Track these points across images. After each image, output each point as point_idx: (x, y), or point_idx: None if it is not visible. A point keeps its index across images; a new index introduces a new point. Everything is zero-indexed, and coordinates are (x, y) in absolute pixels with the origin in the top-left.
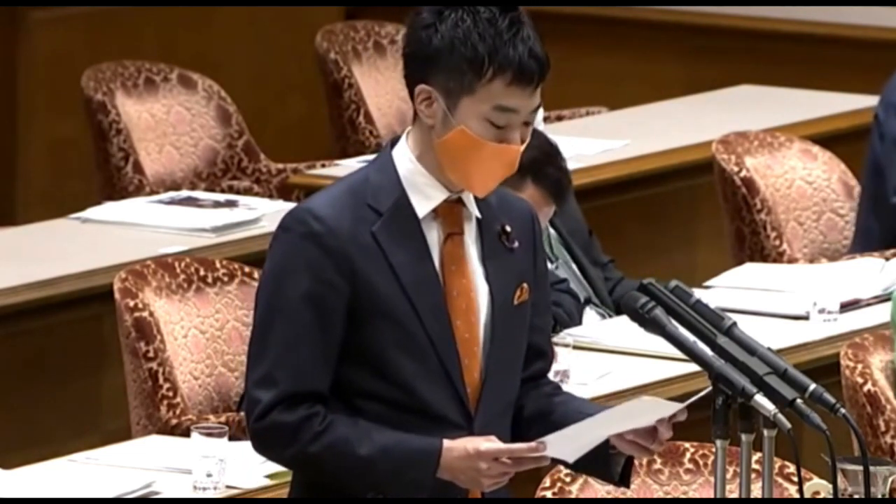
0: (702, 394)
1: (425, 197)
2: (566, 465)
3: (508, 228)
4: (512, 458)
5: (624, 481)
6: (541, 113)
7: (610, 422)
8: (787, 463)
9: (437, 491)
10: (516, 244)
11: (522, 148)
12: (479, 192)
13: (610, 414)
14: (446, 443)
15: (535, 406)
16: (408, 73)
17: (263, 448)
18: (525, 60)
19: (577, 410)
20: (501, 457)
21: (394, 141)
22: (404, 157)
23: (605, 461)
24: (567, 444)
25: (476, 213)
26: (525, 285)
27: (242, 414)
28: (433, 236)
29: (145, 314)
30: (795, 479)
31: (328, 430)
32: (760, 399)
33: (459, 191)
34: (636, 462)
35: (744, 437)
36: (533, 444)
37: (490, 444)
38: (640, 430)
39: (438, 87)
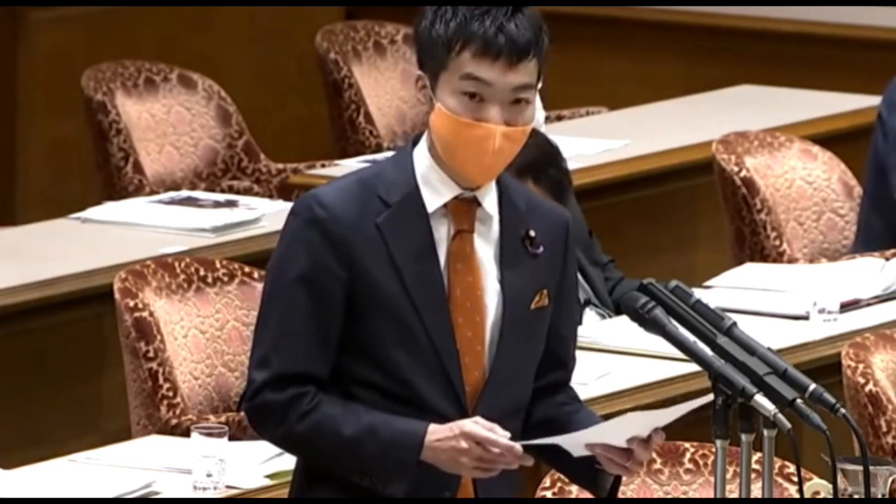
0: (700, 402)
1: (436, 192)
2: (554, 467)
3: (533, 234)
4: (494, 447)
5: (612, 496)
6: (541, 113)
7: (598, 436)
8: (787, 463)
9: (422, 476)
10: (541, 250)
11: (508, 129)
12: (475, 180)
13: (598, 430)
14: (431, 425)
15: (542, 414)
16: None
17: (255, 427)
18: (491, 33)
19: (577, 423)
20: (483, 443)
21: (416, 139)
22: (423, 155)
23: (592, 474)
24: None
25: (495, 214)
26: (545, 292)
27: (242, 414)
28: (442, 232)
29: (145, 314)
30: (795, 479)
31: (316, 409)
32: (760, 399)
33: (474, 189)
34: None
35: (744, 437)
36: (510, 443)
37: (474, 426)
38: (615, 449)
39: (427, 71)
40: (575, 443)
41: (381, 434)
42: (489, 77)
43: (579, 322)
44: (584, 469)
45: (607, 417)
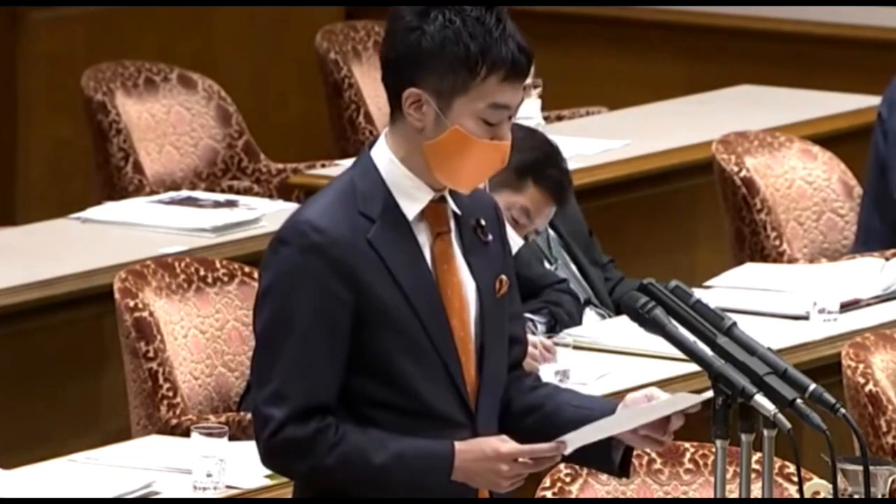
0: (708, 395)
1: (412, 199)
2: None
3: (483, 222)
4: (533, 458)
5: (624, 470)
6: (540, 113)
7: (630, 418)
8: (787, 463)
9: (449, 494)
10: (490, 237)
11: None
12: (467, 189)
13: (635, 411)
14: (458, 445)
15: (522, 400)
16: (391, 77)
17: (278, 463)
18: (516, 56)
19: (567, 402)
20: (522, 457)
21: (371, 143)
22: (385, 159)
23: (605, 453)
24: (587, 441)
25: (456, 209)
26: (503, 277)
27: (242, 414)
28: (423, 237)
29: (145, 314)
30: (795, 479)
31: (342, 441)
32: (760, 399)
33: (443, 189)
34: (635, 462)
35: (744, 437)
36: (553, 444)
37: (509, 445)
38: (653, 423)
39: (429, 89)
40: (615, 426)
41: (411, 461)
42: (511, 101)
43: (579, 322)
44: (596, 447)
45: None
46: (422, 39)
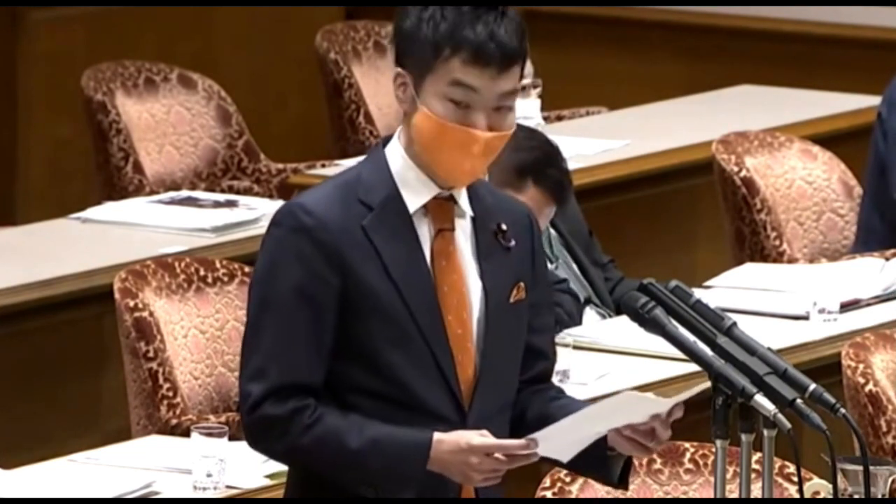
0: (696, 389)
1: (416, 192)
2: (562, 465)
3: (504, 227)
4: (504, 453)
5: (623, 483)
6: (540, 113)
7: (600, 417)
8: (787, 463)
9: (428, 484)
10: (513, 243)
11: (492, 135)
12: (456, 182)
13: (599, 409)
14: (437, 435)
15: (538, 410)
16: (395, 63)
17: (255, 441)
18: (483, 40)
19: (575, 411)
20: (493, 452)
21: (386, 139)
22: (396, 154)
23: (603, 463)
24: (559, 440)
25: (469, 211)
26: (522, 284)
27: None
28: (424, 232)
29: (145, 314)
30: (795, 479)
31: (318, 423)
32: (760, 399)
33: (450, 187)
34: (636, 462)
35: (744, 437)
36: (523, 440)
37: (482, 438)
38: (639, 429)
39: (409, 69)
40: (583, 430)
41: (386, 448)
42: (478, 84)
43: (579, 322)
44: (594, 457)
45: None
46: (406, 21)
